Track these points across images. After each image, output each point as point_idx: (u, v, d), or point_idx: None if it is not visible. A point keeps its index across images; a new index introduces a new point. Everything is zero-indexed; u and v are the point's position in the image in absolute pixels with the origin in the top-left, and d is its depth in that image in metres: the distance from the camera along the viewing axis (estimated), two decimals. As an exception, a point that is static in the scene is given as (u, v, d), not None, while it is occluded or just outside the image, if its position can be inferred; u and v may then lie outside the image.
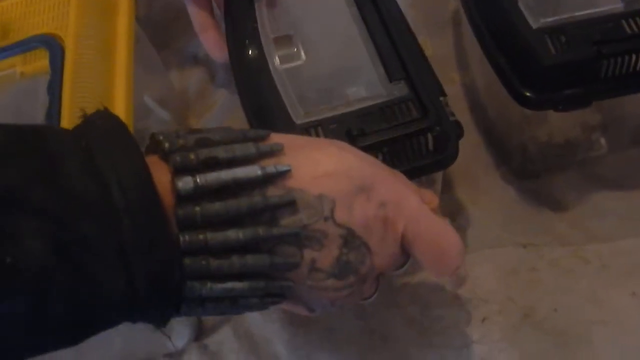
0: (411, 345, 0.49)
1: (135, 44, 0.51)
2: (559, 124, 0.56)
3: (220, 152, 0.33)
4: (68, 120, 0.44)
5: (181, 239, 0.32)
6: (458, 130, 0.46)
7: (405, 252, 0.39)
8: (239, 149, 0.34)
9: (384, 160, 0.43)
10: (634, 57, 0.46)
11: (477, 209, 0.54)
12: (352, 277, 0.37)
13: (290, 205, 0.34)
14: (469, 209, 0.54)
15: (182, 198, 0.32)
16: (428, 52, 0.62)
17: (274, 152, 0.35)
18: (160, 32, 0.66)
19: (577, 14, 0.46)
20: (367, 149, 0.42)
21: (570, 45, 0.45)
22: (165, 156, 0.33)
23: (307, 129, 0.44)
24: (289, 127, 0.44)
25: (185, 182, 0.32)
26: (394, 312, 0.50)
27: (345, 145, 0.39)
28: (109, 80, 0.48)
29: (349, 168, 0.36)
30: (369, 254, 0.37)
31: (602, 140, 0.56)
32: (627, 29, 0.45)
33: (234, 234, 0.33)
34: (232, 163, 0.34)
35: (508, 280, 0.51)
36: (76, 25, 0.48)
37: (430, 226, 0.38)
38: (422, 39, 0.62)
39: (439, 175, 0.49)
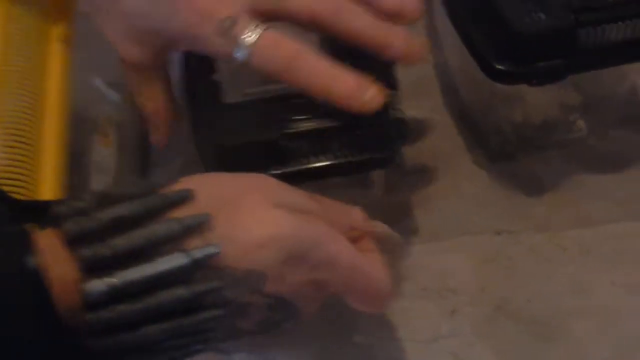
0: (375, 339, 0.45)
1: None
2: (536, 104, 0.53)
3: (138, 238, 0.30)
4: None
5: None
6: (402, 128, 0.42)
7: None
8: (160, 230, 0.30)
9: (309, 152, 0.40)
10: (614, 27, 0.43)
11: (449, 194, 0.51)
12: (276, 330, 0.36)
13: (216, 290, 0.31)
14: (440, 195, 0.51)
15: (91, 304, 0.29)
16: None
17: (200, 225, 0.31)
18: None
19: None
20: (292, 137, 0.39)
21: (546, 12, 0.42)
22: (69, 244, 0.29)
23: (238, 107, 0.40)
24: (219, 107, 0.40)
25: (95, 286, 0.29)
26: (358, 304, 0.46)
27: (274, 193, 0.35)
28: (43, 62, 0.45)
29: (282, 235, 0.33)
30: (296, 312, 0.36)
31: (582, 122, 0.53)
32: (606, -4, 0.42)
33: (152, 329, 0.30)
34: (152, 250, 0.30)
35: (481, 269, 0.47)
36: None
37: (362, 279, 0.36)
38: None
39: (379, 176, 0.46)
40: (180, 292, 0.30)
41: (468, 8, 0.46)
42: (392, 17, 0.41)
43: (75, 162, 0.47)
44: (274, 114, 0.39)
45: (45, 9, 0.47)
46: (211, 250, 0.31)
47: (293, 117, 0.39)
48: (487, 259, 0.47)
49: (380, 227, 0.41)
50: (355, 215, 0.39)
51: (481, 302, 0.46)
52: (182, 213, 0.31)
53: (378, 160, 0.41)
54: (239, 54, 0.38)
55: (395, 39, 0.41)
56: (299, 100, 0.40)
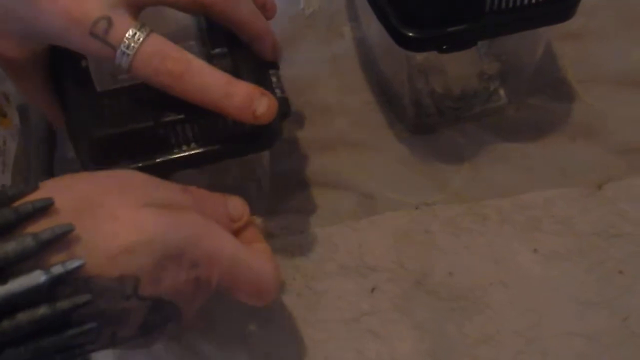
0: (298, 322, 0.44)
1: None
2: (455, 75, 0.52)
3: None
4: None
5: None
6: (285, 107, 0.40)
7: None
8: (11, 248, 0.27)
9: (188, 139, 0.38)
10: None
11: (365, 172, 0.50)
12: (157, 332, 0.34)
13: (85, 303, 0.29)
14: (356, 173, 0.50)
15: None
16: (311, 8, 0.58)
17: (60, 237, 0.28)
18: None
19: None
20: (168, 124, 0.37)
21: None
22: None
23: (109, 95, 0.38)
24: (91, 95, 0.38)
25: None
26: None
27: (141, 190, 0.33)
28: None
29: (151, 237, 0.31)
30: (178, 312, 0.34)
31: (501, 91, 0.53)
32: (512, -42, 0.41)
33: (13, 353, 0.28)
34: (6, 270, 0.27)
35: (399, 245, 0.46)
36: None
37: (246, 273, 0.35)
38: (305, -5, 0.58)
39: (264, 158, 0.45)
40: (42, 311, 0.28)
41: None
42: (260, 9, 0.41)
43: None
44: (146, 102, 0.37)
45: None
46: (73, 264, 0.28)
47: (166, 104, 0.37)
48: (405, 234, 0.47)
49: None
50: (234, 204, 0.37)
51: (401, 278, 0.45)
52: (40, 226, 0.29)
53: (263, 141, 0.39)
54: (120, 62, 0.35)
55: (268, 31, 0.40)
56: None
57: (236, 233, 0.38)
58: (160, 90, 0.36)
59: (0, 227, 0.28)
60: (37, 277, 0.28)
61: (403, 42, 0.43)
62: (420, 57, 0.52)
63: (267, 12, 0.42)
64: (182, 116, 0.37)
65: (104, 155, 0.37)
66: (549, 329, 0.43)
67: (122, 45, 0.34)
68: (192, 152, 0.38)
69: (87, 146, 0.38)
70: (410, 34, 0.42)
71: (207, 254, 0.33)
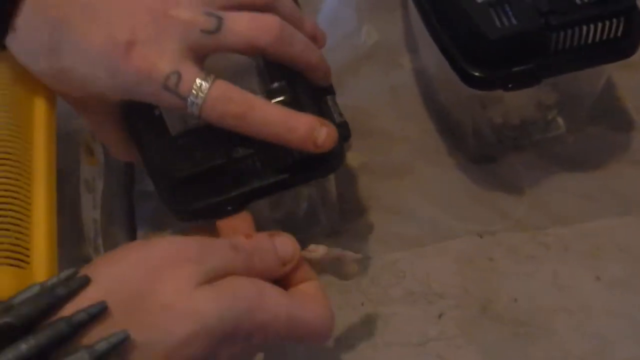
0: (366, 345, 0.46)
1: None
2: (514, 105, 0.53)
3: None
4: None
5: None
6: (345, 131, 0.43)
7: None
8: None
9: (259, 170, 0.40)
10: (584, 28, 0.44)
11: (430, 199, 0.51)
12: None
13: None
14: (419, 201, 0.51)
15: None
16: (371, 40, 0.60)
17: (115, 346, 0.28)
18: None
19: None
20: (240, 159, 0.40)
21: (517, 17, 0.43)
22: None
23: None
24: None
25: None
26: (346, 311, 0.47)
27: (192, 263, 0.33)
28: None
29: (207, 325, 0.31)
30: None
31: (560, 120, 0.54)
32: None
33: None
34: None
35: (464, 272, 0.48)
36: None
37: (300, 327, 0.36)
38: (365, 28, 0.60)
39: (330, 182, 0.47)
40: None
41: (441, 15, 0.46)
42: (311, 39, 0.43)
43: (66, 179, 0.47)
44: (217, 140, 0.40)
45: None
46: None
47: (236, 140, 0.39)
48: (470, 261, 0.48)
49: (321, 251, 0.40)
50: (283, 245, 0.37)
51: (466, 304, 0.47)
52: (94, 333, 0.29)
53: (327, 165, 0.41)
54: (191, 110, 0.37)
55: (321, 60, 0.43)
56: None
57: (288, 277, 0.38)
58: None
59: (55, 341, 0.28)
60: None
61: (469, 81, 0.45)
62: (480, 89, 0.53)
63: (318, 42, 0.44)
64: (251, 150, 0.40)
65: (184, 194, 0.40)
66: (613, 356, 0.44)
67: (191, 96, 0.37)
68: (263, 183, 0.41)
69: (167, 187, 0.40)
70: (477, 74, 0.44)
71: (262, 324, 0.33)
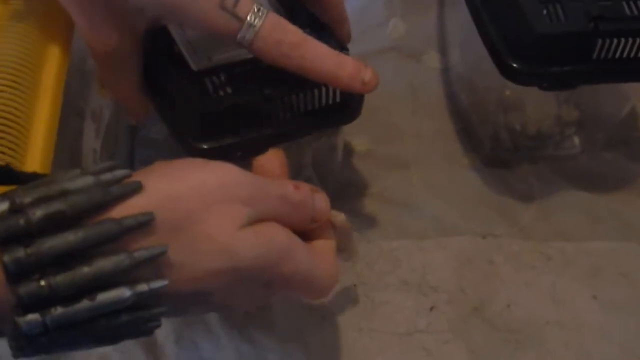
0: (351, 328, 0.45)
1: None
2: (534, 114, 0.53)
3: (82, 278, 0.27)
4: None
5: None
6: None
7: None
8: (107, 267, 0.28)
9: (283, 107, 0.39)
10: (630, 40, 0.43)
11: (437, 195, 0.51)
12: None
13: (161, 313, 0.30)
14: (427, 196, 0.51)
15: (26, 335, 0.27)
16: (397, 33, 0.59)
17: (154, 256, 0.29)
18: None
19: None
20: (272, 96, 0.39)
21: (566, 16, 0.42)
22: (6, 278, 0.27)
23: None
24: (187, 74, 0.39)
25: (30, 323, 0.27)
26: (337, 291, 0.46)
27: (241, 198, 0.32)
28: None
29: (239, 264, 0.31)
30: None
31: (576, 139, 0.54)
32: (627, 10, 0.43)
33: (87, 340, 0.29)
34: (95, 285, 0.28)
35: (462, 270, 0.47)
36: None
37: (313, 284, 0.36)
38: (394, 21, 0.59)
39: (340, 140, 0.47)
40: (122, 319, 0.29)
41: (490, 4, 0.46)
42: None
43: (74, 111, 0.46)
44: (245, 78, 0.39)
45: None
46: (157, 284, 0.29)
47: (265, 78, 0.38)
48: (469, 260, 0.47)
49: (340, 217, 0.39)
50: (320, 204, 0.37)
51: (460, 302, 0.46)
52: (138, 241, 0.29)
53: (350, 113, 0.41)
54: (245, 35, 0.36)
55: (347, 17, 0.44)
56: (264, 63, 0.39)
57: (312, 232, 0.38)
58: (256, 67, 0.38)
59: (102, 240, 0.28)
60: (122, 293, 0.28)
61: (507, 72, 0.44)
62: (504, 92, 0.53)
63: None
64: (281, 90, 0.39)
65: (211, 131, 0.39)
66: (598, 376, 0.43)
67: (249, 18, 0.36)
68: (291, 125, 0.40)
69: (193, 123, 0.39)
70: (515, 66, 0.43)
71: (283, 276, 0.34)
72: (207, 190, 0.32)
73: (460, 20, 0.55)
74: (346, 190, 0.51)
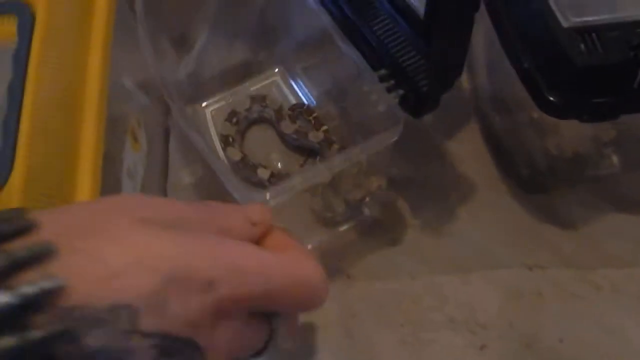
0: (401, 370, 0.44)
1: (115, 19, 0.46)
2: (569, 136, 0.52)
3: None
4: (32, 96, 0.39)
5: None
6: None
7: (261, 318, 0.31)
8: None
9: None
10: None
11: (479, 224, 0.50)
12: None
13: (67, 334, 0.24)
14: (469, 225, 0.50)
15: None
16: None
17: (36, 254, 0.24)
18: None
19: (612, 15, 0.42)
20: None
21: (604, 47, 0.41)
22: None
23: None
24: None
25: None
26: (383, 332, 0.45)
27: (145, 210, 0.28)
28: (82, 57, 0.43)
29: (151, 256, 0.26)
30: (200, 353, 0.27)
31: (615, 158, 0.52)
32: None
33: None
34: None
35: (510, 304, 0.46)
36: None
37: (282, 279, 0.29)
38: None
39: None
40: (6, 343, 0.22)
41: (523, 36, 0.44)
42: None
43: (110, 163, 0.45)
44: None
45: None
46: (48, 284, 0.23)
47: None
48: (518, 294, 0.47)
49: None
50: (252, 209, 0.32)
51: (510, 338, 0.45)
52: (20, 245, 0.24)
53: None
54: None
55: None
56: None
57: (261, 240, 0.33)
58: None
59: None
60: (3, 298, 0.23)
61: (545, 106, 0.43)
62: (537, 115, 0.52)
63: None
64: None
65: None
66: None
67: None
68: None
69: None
70: (554, 100, 0.42)
71: (225, 269, 0.27)
72: (100, 204, 0.29)
73: (484, 37, 0.54)
74: (391, 220, 0.50)
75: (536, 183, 0.52)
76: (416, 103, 0.44)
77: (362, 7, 0.48)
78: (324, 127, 0.53)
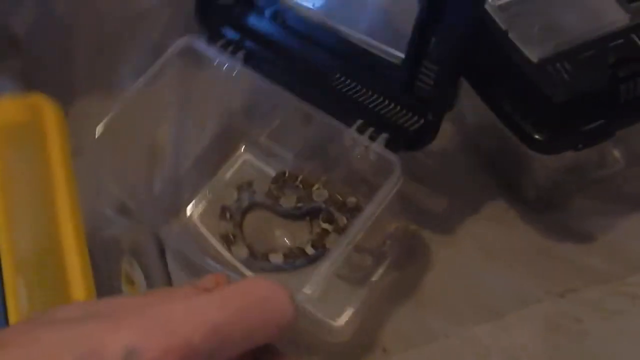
0: None
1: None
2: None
3: None
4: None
5: None
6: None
7: None
8: None
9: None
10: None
11: (496, 261, 0.48)
12: None
13: None
14: (488, 263, 0.48)
15: None
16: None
17: None
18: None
19: (579, 36, 0.40)
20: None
21: (579, 72, 0.40)
22: None
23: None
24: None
25: None
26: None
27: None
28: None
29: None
30: None
31: (616, 153, 0.51)
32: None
33: None
34: None
35: (552, 338, 0.45)
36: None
37: (222, 305, 0.26)
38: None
39: None
40: None
41: (498, 81, 0.43)
42: None
43: (107, 287, 0.44)
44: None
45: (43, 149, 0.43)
46: None
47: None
48: (556, 326, 0.45)
49: None
50: (204, 279, 0.31)
51: (559, 373, 0.44)
52: None
53: None
54: None
55: None
56: None
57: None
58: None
59: None
60: None
61: (535, 146, 0.42)
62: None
63: None
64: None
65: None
66: None
67: None
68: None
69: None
70: (543, 139, 0.41)
71: (145, 327, 0.25)
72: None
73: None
74: (402, 278, 0.48)
75: (544, 201, 0.50)
76: (409, 139, 0.43)
77: (317, 72, 0.47)
78: (316, 186, 0.52)
